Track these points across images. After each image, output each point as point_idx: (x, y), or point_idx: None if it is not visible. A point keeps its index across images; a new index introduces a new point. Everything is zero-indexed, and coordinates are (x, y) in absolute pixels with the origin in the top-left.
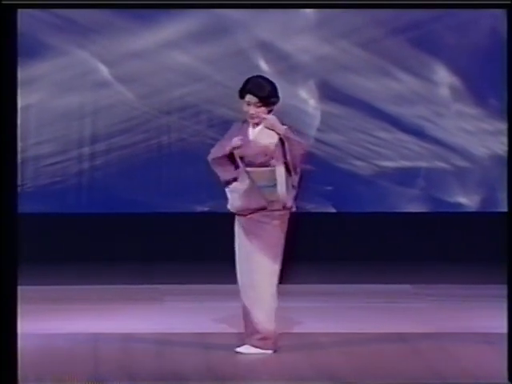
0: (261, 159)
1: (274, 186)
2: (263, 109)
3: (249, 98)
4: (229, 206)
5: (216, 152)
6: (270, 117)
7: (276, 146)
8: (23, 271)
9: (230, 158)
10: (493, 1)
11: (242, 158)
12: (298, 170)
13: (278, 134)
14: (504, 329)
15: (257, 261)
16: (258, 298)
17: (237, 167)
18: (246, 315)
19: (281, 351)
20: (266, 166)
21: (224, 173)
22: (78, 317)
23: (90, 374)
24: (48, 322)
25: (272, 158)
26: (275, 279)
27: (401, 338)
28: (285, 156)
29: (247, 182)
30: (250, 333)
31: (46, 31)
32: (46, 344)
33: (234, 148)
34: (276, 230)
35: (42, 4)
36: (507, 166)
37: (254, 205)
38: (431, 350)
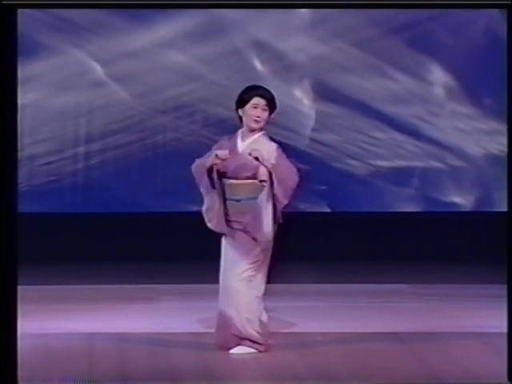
0: (247, 173)
1: (255, 198)
2: (267, 114)
3: (257, 100)
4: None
5: (197, 166)
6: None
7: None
8: (21, 271)
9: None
10: (493, 1)
11: (225, 172)
12: (285, 200)
13: (266, 166)
14: (504, 328)
15: (231, 266)
16: (233, 301)
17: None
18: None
19: (277, 351)
20: (251, 179)
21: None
22: (76, 316)
23: (88, 373)
24: (46, 321)
25: (257, 172)
26: (253, 284)
27: (398, 337)
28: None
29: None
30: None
31: (41, 30)
32: (46, 344)
33: (218, 161)
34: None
35: (42, 4)
36: (507, 166)
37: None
38: (429, 349)
